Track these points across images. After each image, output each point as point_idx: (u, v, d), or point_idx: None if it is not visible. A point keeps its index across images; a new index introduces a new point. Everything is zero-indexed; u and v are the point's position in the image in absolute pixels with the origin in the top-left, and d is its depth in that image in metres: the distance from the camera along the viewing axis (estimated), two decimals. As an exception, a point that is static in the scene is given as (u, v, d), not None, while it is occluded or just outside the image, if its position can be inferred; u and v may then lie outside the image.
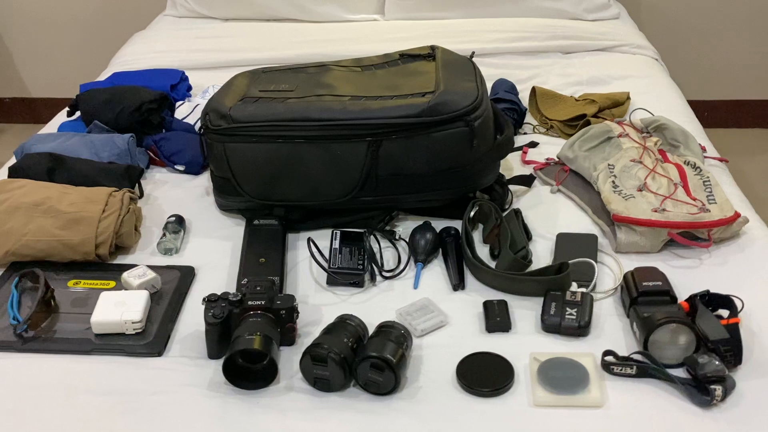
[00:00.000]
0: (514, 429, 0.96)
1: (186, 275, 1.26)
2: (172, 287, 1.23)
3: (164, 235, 1.33)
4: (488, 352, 1.07)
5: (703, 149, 1.55)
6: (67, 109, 1.68)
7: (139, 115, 1.58)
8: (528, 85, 1.86)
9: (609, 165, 1.43)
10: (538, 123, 1.71)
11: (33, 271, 1.20)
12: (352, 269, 1.24)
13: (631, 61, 1.98)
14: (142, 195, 1.47)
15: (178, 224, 1.36)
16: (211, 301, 1.11)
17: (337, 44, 2.04)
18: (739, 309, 1.08)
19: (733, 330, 1.00)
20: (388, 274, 1.26)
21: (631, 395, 1.00)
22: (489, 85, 1.80)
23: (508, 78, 1.87)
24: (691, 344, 1.03)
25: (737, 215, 1.27)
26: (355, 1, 2.30)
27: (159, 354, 1.10)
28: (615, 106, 1.70)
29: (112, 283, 1.23)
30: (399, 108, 1.28)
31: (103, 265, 1.28)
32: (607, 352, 1.04)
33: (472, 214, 1.34)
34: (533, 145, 1.62)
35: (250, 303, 1.10)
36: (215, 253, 1.32)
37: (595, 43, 2.04)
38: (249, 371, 1.05)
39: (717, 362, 0.98)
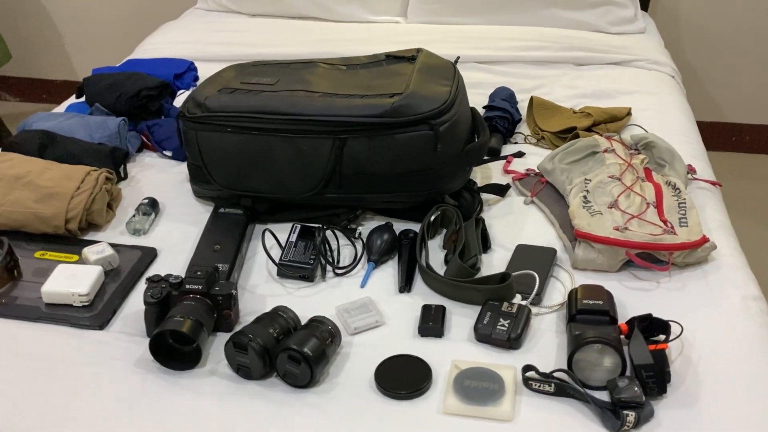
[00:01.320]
0: (417, 433, 0.96)
1: (147, 256, 1.30)
2: (130, 266, 1.28)
3: (134, 215, 1.38)
4: (410, 355, 1.06)
5: (692, 170, 1.49)
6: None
7: (138, 101, 1.65)
8: (534, 94, 1.83)
9: (585, 180, 1.40)
10: (530, 133, 1.68)
11: (2, 240, 1.26)
12: (302, 263, 1.26)
13: (644, 76, 1.92)
14: (125, 177, 1.53)
15: (150, 207, 1.41)
16: (153, 281, 1.15)
17: (356, 44, 2.06)
18: (675, 335, 1.04)
19: (659, 356, 0.96)
20: (339, 271, 1.27)
21: (545, 413, 0.97)
22: (489, 92, 1.80)
23: (512, 86, 1.85)
24: (617, 367, 1.00)
25: (703, 240, 1.22)
26: (378, 3, 2.32)
27: (100, 328, 1.14)
28: (612, 120, 1.66)
29: (76, 257, 1.29)
30: (364, 107, 1.29)
31: (72, 240, 1.34)
32: (527, 367, 1.01)
33: (433, 218, 1.33)
34: (519, 155, 1.59)
35: (188, 286, 1.13)
36: (182, 237, 1.36)
37: (610, 56, 1.98)
38: (178, 352, 1.08)
39: (636, 388, 0.94)
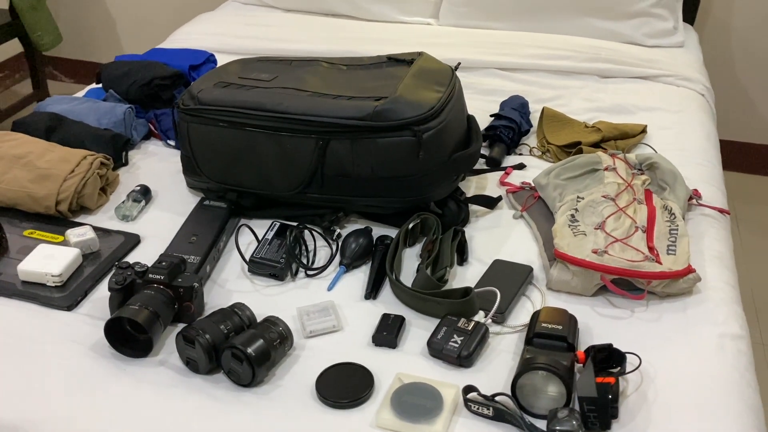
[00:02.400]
0: (343, 445, 0.94)
1: (129, 242, 1.33)
2: (110, 251, 1.31)
3: (125, 201, 1.41)
4: (355, 364, 1.05)
5: (698, 195, 1.41)
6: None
7: (149, 90, 1.68)
8: (550, 105, 1.77)
9: (578, 198, 1.34)
10: (537, 145, 1.63)
11: (-7, 216, 1.32)
12: (274, 261, 1.26)
13: (669, 93, 1.83)
14: (126, 163, 1.56)
15: (141, 194, 1.43)
16: (120, 267, 1.17)
17: (382, 44, 2.05)
18: (632, 368, 0.99)
19: (604, 390, 0.91)
20: (311, 273, 1.26)
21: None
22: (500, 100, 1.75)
23: (529, 96, 1.81)
24: (562, 396, 0.95)
25: (686, 271, 1.15)
26: (411, 4, 2.29)
27: (68, 309, 1.17)
28: (623, 137, 1.59)
29: (61, 238, 1.33)
30: (348, 109, 1.28)
31: (61, 221, 1.38)
32: (469, 388, 0.98)
33: (411, 225, 1.31)
34: (520, 167, 1.54)
35: (151, 276, 1.14)
36: (168, 226, 1.38)
37: (638, 70, 1.90)
38: (133, 338, 1.10)
39: (575, 422, 0.90)
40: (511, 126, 1.60)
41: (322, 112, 1.28)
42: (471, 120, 1.46)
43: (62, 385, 1.02)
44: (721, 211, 1.41)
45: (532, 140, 1.66)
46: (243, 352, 1.01)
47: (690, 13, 2.31)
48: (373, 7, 2.31)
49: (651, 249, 1.21)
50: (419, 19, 2.31)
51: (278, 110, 1.31)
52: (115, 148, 1.52)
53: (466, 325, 1.08)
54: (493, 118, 1.66)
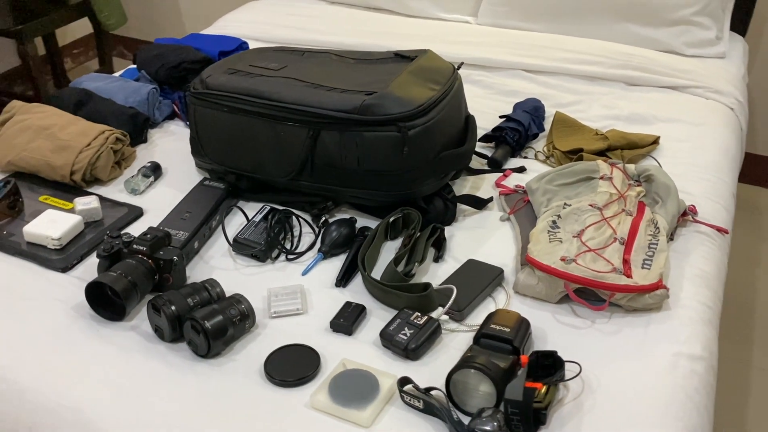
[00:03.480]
0: (274, 421, 0.98)
1: (131, 214, 1.42)
2: (112, 221, 1.40)
3: (134, 176, 1.50)
4: (306, 347, 1.09)
5: (693, 211, 1.37)
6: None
7: (177, 72, 1.77)
8: (568, 110, 1.76)
9: (565, 204, 1.34)
10: (543, 149, 1.62)
11: (9, 180, 1.43)
12: (256, 242, 1.31)
13: (695, 104, 1.77)
14: (145, 140, 1.66)
15: (151, 170, 1.52)
16: (111, 237, 1.25)
17: (415, 40, 2.07)
18: (568, 377, 0.99)
19: (528, 394, 0.92)
20: (291, 257, 1.31)
21: (405, 427, 0.97)
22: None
23: (549, 99, 1.80)
24: (492, 397, 0.97)
25: (653, 287, 1.13)
26: (451, 1, 2.30)
27: (63, 271, 1.27)
28: (630, 147, 1.56)
29: (71, 205, 1.43)
30: (338, 102, 1.31)
31: (75, 189, 1.48)
32: (405, 380, 1.01)
33: (392, 219, 1.34)
34: (521, 170, 1.54)
35: (134, 246, 1.22)
36: (171, 202, 1.45)
37: (667, 79, 1.85)
38: (112, 302, 1.18)
39: (495, 423, 0.91)
40: (518, 129, 1.60)
41: (313, 102, 1.33)
42: (469, 120, 1.47)
43: (39, 338, 1.12)
44: (718, 229, 1.37)
45: (540, 144, 1.65)
46: (201, 325, 1.07)
47: (741, 24, 2.21)
48: (414, 3, 2.32)
49: (625, 261, 1.19)
50: (458, 16, 2.31)
51: (274, 98, 1.36)
52: (135, 126, 1.62)
53: (419, 319, 1.11)
54: (503, 119, 1.66)
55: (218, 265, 1.30)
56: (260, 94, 1.37)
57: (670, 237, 1.32)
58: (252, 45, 2.14)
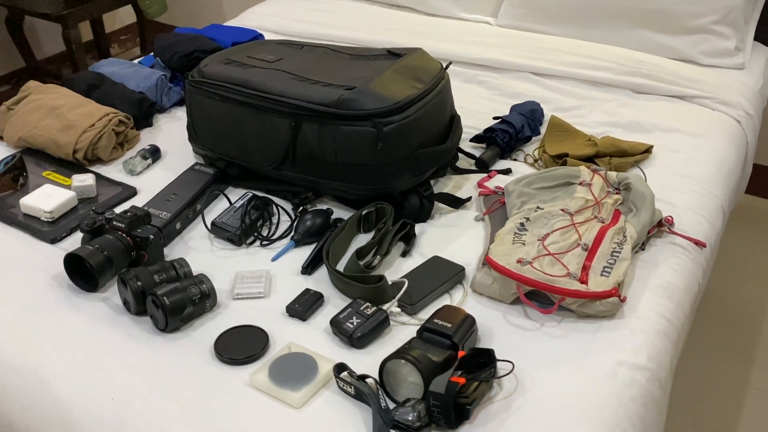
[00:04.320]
0: (212, 395, 1.03)
1: (124, 193, 1.49)
2: (105, 198, 1.47)
3: (133, 157, 1.58)
4: (258, 328, 1.14)
5: (669, 223, 1.36)
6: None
7: (188, 61, 1.84)
8: (567, 114, 1.75)
9: (538, 207, 1.34)
10: (534, 152, 1.62)
11: (16, 154, 1.52)
12: (232, 227, 1.36)
13: (699, 115, 1.73)
14: (150, 124, 1.73)
15: (149, 153, 1.59)
16: (96, 212, 1.33)
17: (429, 39, 2.09)
18: (499, 374, 1.00)
19: (450, 388, 0.94)
20: (266, 243, 1.36)
21: (333, 411, 1.00)
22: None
23: (550, 103, 1.79)
24: (420, 388, 0.99)
25: (605, 294, 1.13)
26: (472, 1, 2.31)
27: (51, 242, 1.35)
28: (620, 155, 1.54)
29: (70, 181, 1.51)
30: (317, 95, 1.35)
31: (77, 167, 1.57)
32: (341, 366, 1.04)
33: (365, 212, 1.37)
34: (506, 172, 1.54)
35: (114, 223, 1.29)
36: (165, 184, 1.52)
37: (674, 88, 1.81)
38: (88, 274, 1.25)
39: (415, 413, 0.94)
40: (508, 131, 1.60)
41: (295, 94, 1.37)
42: (454, 119, 1.49)
43: (14, 302, 1.20)
44: (696, 242, 1.35)
45: (533, 147, 1.65)
46: (160, 301, 1.13)
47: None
48: (436, 2, 2.34)
49: (585, 268, 1.19)
50: (478, 16, 2.32)
51: (260, 89, 1.41)
52: (141, 110, 1.70)
53: (369, 309, 1.14)
54: (496, 121, 1.67)
55: (196, 246, 1.36)
56: (248, 84, 1.42)
57: (641, 247, 1.31)
58: (270, 38, 2.20)
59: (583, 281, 1.16)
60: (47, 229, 1.38)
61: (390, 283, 1.22)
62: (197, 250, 1.35)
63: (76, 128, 1.56)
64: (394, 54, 1.54)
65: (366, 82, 1.37)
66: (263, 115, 1.41)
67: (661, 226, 1.35)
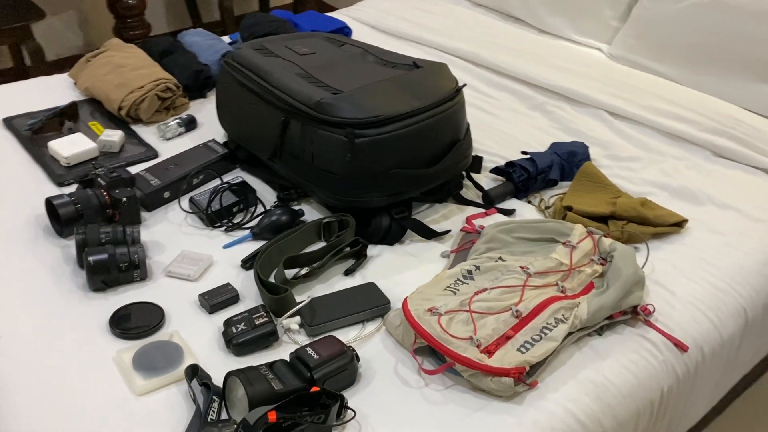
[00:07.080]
0: (79, 359, 1.07)
1: (144, 154, 1.59)
2: (126, 155, 1.58)
3: (168, 123, 1.67)
4: (158, 308, 1.16)
5: (646, 312, 1.15)
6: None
7: (262, 42, 1.90)
8: (618, 165, 1.55)
9: (500, 258, 1.21)
10: (548, 198, 1.45)
11: (73, 102, 1.68)
12: (203, 205, 1.39)
13: (774, 197, 1.44)
14: (204, 96, 1.82)
15: (185, 122, 1.68)
16: (94, 167, 1.43)
17: (520, 57, 1.96)
18: (335, 422, 0.92)
19: (259, 420, 0.89)
20: (229, 228, 1.37)
21: (166, 407, 1.00)
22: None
23: (608, 149, 1.60)
24: (246, 411, 0.94)
25: (500, 371, 0.99)
26: (588, 25, 2.11)
27: (59, 185, 1.48)
28: (640, 222, 1.33)
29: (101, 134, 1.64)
30: (303, 95, 1.32)
31: (120, 122, 1.69)
32: (193, 368, 1.02)
33: (326, 221, 1.33)
34: (509, 212, 1.40)
35: (98, 180, 1.38)
36: (187, 152, 1.60)
37: (760, 158, 1.52)
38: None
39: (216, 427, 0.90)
40: (528, 168, 1.45)
41: (287, 90, 1.36)
42: (457, 144, 1.38)
43: (-11, 232, 1.34)
44: (677, 343, 1.13)
45: (555, 192, 1.48)
46: (85, 259, 1.20)
47: None
48: (548, 19, 2.18)
49: (505, 336, 1.06)
50: (592, 41, 2.11)
51: (265, 79, 1.41)
52: (196, 80, 1.78)
53: (261, 319, 1.11)
54: (524, 156, 1.52)
55: (170, 218, 1.41)
56: (258, 72, 1.44)
57: (597, 331, 1.13)
58: (369, 33, 2.20)
59: (489, 351, 1.03)
60: (61, 173, 1.51)
61: (309, 299, 1.17)
62: (168, 220, 1.40)
63: (127, 87, 1.69)
64: (417, 66, 1.46)
65: (353, 88, 1.32)
66: (263, 104, 1.42)
67: (635, 314, 1.15)
